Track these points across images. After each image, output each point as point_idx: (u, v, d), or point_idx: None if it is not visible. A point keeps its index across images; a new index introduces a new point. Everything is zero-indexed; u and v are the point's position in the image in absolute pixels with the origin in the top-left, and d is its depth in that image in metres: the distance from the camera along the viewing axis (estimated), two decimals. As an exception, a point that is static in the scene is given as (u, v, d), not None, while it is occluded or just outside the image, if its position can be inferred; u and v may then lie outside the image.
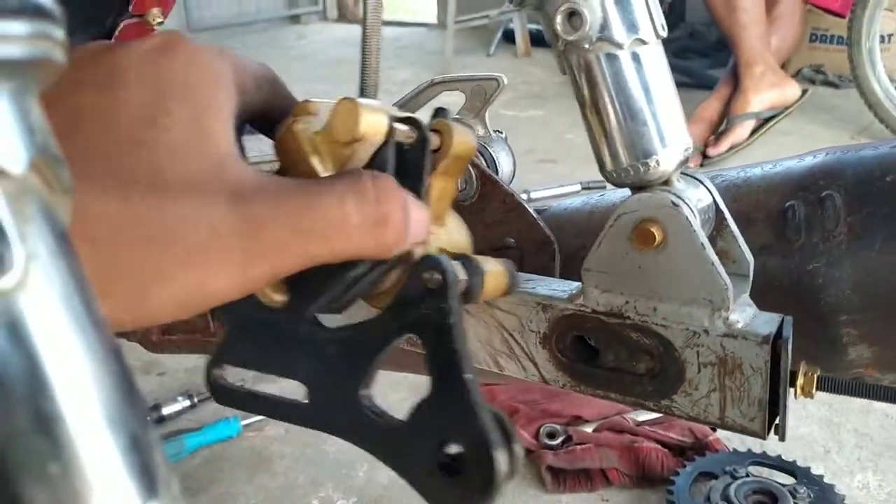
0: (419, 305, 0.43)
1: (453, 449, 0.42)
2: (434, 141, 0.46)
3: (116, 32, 0.64)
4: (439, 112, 0.48)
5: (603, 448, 1.32)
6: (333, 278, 0.43)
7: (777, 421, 0.51)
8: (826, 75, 3.57)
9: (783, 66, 3.13)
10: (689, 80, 3.49)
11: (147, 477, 0.21)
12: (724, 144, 2.80)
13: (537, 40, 4.45)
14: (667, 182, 0.51)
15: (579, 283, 0.54)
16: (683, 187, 0.51)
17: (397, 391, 1.56)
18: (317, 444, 1.44)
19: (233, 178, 0.38)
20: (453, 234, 0.52)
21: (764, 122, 2.90)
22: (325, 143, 0.43)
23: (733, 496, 1.19)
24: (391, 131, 0.43)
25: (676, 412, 0.53)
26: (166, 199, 0.36)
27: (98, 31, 0.66)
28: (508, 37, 4.62)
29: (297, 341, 0.47)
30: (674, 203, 0.49)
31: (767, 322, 0.50)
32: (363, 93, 0.89)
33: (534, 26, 4.44)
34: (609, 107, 0.49)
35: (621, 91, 0.48)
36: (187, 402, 1.50)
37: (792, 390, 0.50)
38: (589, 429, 1.39)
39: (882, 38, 2.98)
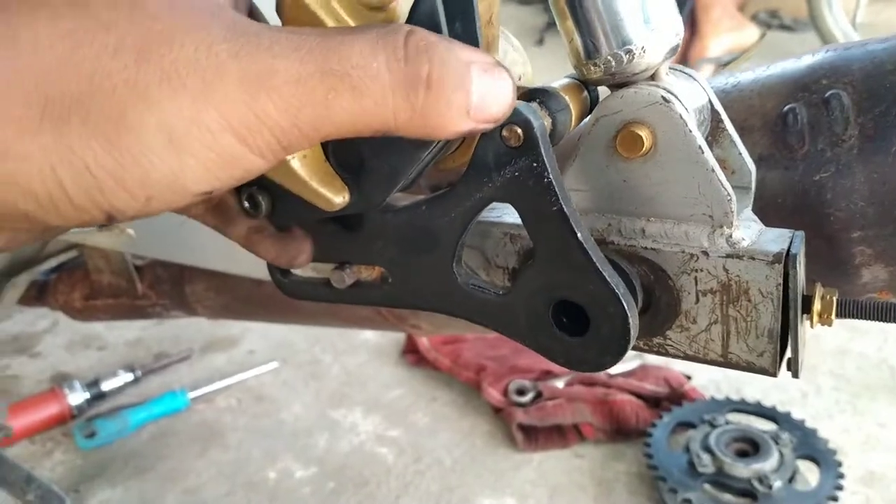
0: (503, 168, 0.38)
1: (571, 309, 0.40)
2: None
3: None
4: None
5: (575, 402, 1.25)
6: (405, 163, 0.38)
7: (788, 355, 0.43)
8: (782, 19, 3.53)
9: (740, 10, 3.07)
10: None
11: None
12: None
13: None
14: (654, 76, 0.42)
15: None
16: (674, 81, 0.43)
17: (356, 355, 1.47)
18: (272, 414, 1.36)
19: (228, 19, 0.31)
20: (511, 59, 0.45)
21: (722, 67, 2.85)
22: (346, 7, 0.36)
23: (714, 445, 1.13)
24: None
25: (671, 351, 0.46)
26: (147, 20, 0.30)
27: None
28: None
29: (368, 230, 0.43)
30: (665, 99, 0.41)
31: (777, 239, 0.42)
32: None
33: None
34: (583, -18, 0.40)
35: (598, -39, 0.39)
36: (130, 377, 1.40)
37: (807, 319, 0.43)
38: (560, 383, 1.32)
39: (838, -23, 2.92)
